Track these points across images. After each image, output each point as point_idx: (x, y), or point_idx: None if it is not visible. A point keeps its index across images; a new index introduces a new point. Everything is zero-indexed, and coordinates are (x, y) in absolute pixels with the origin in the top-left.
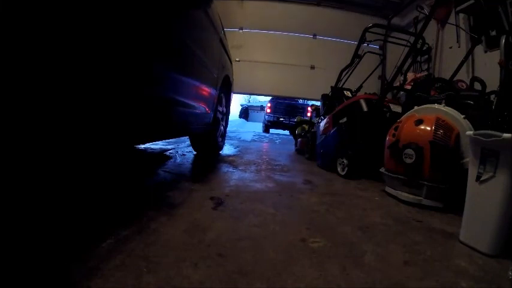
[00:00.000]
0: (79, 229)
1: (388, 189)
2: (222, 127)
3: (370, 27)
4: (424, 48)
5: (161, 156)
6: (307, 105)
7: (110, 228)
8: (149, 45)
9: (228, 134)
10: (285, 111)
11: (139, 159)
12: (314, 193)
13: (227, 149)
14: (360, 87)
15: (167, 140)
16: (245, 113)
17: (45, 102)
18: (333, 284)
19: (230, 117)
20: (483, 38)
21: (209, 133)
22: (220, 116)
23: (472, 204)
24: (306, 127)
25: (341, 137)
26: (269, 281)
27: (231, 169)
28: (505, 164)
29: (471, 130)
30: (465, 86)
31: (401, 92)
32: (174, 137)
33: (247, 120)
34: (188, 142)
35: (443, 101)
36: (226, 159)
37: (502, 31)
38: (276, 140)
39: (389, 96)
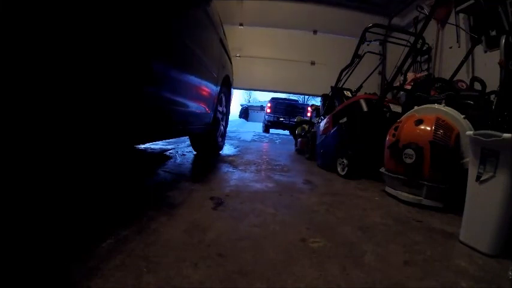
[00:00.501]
0: (79, 229)
1: (388, 189)
2: (222, 127)
3: (370, 27)
4: (424, 48)
5: (161, 156)
6: (307, 105)
7: (110, 228)
8: (149, 44)
9: (228, 134)
10: (285, 111)
11: (139, 159)
12: (314, 193)
13: (227, 149)
14: (360, 87)
15: (167, 140)
16: (245, 113)
17: (41, 101)
18: (333, 284)
19: (230, 117)
20: (483, 38)
21: (209, 133)
22: (220, 116)
23: (472, 204)
24: (306, 127)
25: (341, 137)
26: (269, 281)
27: (231, 169)
28: (505, 164)
29: (471, 130)
30: (465, 86)
31: (401, 92)
32: (174, 137)
33: (247, 120)
34: (188, 142)
35: (443, 101)
36: (226, 159)
37: (502, 31)
38: (276, 140)
39: (389, 96)
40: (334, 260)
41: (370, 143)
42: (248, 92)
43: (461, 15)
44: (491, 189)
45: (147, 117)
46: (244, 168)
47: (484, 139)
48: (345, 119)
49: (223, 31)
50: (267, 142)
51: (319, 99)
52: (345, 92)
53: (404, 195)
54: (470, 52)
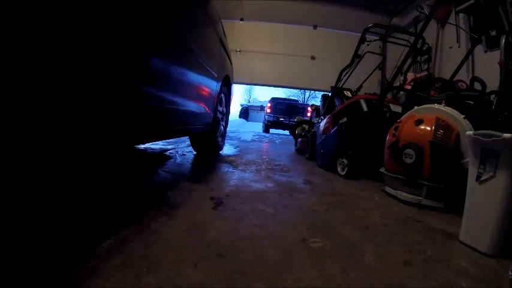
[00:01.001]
0: (79, 229)
1: (388, 189)
2: (222, 127)
3: (370, 27)
4: (424, 48)
5: (161, 156)
6: (307, 105)
7: (110, 228)
8: (147, 43)
9: (228, 134)
10: (285, 111)
11: (139, 159)
12: (314, 193)
13: (227, 149)
14: (360, 87)
15: (167, 140)
16: (245, 113)
17: (38, 100)
18: (333, 284)
19: (230, 117)
20: (483, 38)
21: (209, 133)
22: (220, 116)
23: (472, 204)
24: (306, 127)
25: (341, 137)
26: (269, 281)
27: (231, 169)
28: (505, 164)
29: (471, 130)
30: (465, 86)
31: (401, 92)
32: (174, 137)
33: (247, 120)
34: (188, 142)
35: (443, 101)
36: (226, 159)
37: (502, 31)
38: (276, 140)
39: (389, 96)
40: (334, 260)
41: (370, 143)
42: (248, 91)
43: (461, 15)
44: (491, 189)
45: (147, 117)
46: (244, 168)
47: (484, 139)
48: (345, 119)
49: (223, 31)
50: (267, 142)
51: (319, 99)
52: (344, 92)
53: (404, 195)
54: (470, 52)
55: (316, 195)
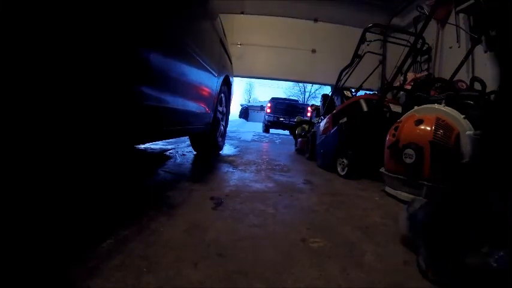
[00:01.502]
0: (79, 229)
1: (388, 189)
2: (222, 127)
3: (370, 27)
4: (424, 48)
5: (161, 156)
6: (307, 105)
7: (110, 228)
8: (148, 43)
9: (228, 134)
10: (285, 111)
11: (139, 159)
12: (314, 193)
13: (227, 149)
14: (360, 87)
15: (167, 140)
16: (245, 113)
17: (36, 100)
18: (333, 284)
19: (230, 117)
20: (483, 38)
21: (209, 133)
22: (220, 116)
23: None
24: (306, 127)
25: (341, 137)
26: (269, 281)
27: (231, 169)
28: None
29: (471, 130)
30: (465, 86)
31: (401, 92)
32: (174, 137)
33: (247, 120)
34: (188, 142)
35: (443, 101)
36: (226, 159)
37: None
38: (276, 140)
39: (389, 96)
40: (334, 260)
41: (370, 143)
42: (248, 91)
43: (461, 15)
44: None
45: (146, 117)
46: (244, 168)
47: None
48: (345, 119)
49: (223, 31)
50: (267, 142)
51: (319, 99)
52: (345, 92)
53: (404, 195)
54: (470, 52)
55: (316, 195)
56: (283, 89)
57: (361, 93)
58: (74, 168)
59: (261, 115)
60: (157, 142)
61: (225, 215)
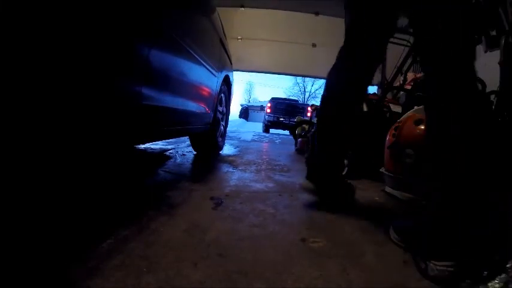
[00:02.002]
0: (79, 229)
1: (388, 189)
2: (222, 127)
3: None
4: None
5: (161, 156)
6: (307, 105)
7: (110, 228)
8: (148, 42)
9: (228, 134)
10: (285, 112)
11: (139, 159)
12: (314, 193)
13: (227, 149)
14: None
15: (167, 140)
16: (245, 113)
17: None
18: (333, 284)
19: (230, 117)
20: (483, 38)
21: (209, 133)
22: (220, 116)
23: None
24: (306, 127)
25: None
26: (269, 281)
27: (231, 169)
28: None
29: None
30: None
31: (401, 92)
32: (174, 137)
33: (247, 120)
34: (188, 142)
35: None
36: (226, 159)
37: (502, 31)
38: (276, 140)
39: (389, 96)
40: (334, 260)
41: (370, 143)
42: (248, 91)
43: None
44: None
45: (146, 117)
46: (244, 168)
47: None
48: None
49: (224, 31)
50: (267, 142)
51: (319, 99)
52: None
53: (404, 195)
54: None
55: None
56: (283, 89)
57: None
58: (73, 168)
59: (261, 115)
60: (157, 142)
61: (225, 215)
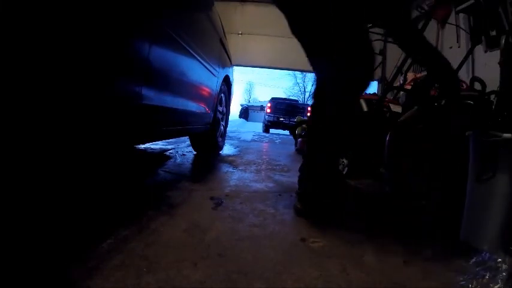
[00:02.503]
0: (79, 229)
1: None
2: (222, 127)
3: (370, 27)
4: None
5: (161, 156)
6: (307, 105)
7: (110, 228)
8: (148, 42)
9: (228, 134)
10: (285, 111)
11: (139, 159)
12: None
13: (227, 149)
14: None
15: (167, 140)
16: (245, 113)
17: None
18: (333, 284)
19: (230, 117)
20: (483, 38)
21: (209, 133)
22: (220, 116)
23: (471, 204)
24: (306, 127)
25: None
26: (269, 281)
27: (231, 169)
28: (505, 164)
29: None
30: (465, 86)
31: (401, 92)
32: (174, 137)
33: (247, 120)
34: (188, 142)
35: (443, 101)
36: (226, 159)
37: (502, 31)
38: (276, 140)
39: (389, 96)
40: (334, 260)
41: (370, 143)
42: (248, 91)
43: (461, 15)
44: (491, 189)
45: (146, 116)
46: (244, 168)
47: (484, 139)
48: None
49: (224, 31)
50: (267, 142)
51: None
52: None
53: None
54: (470, 52)
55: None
56: (283, 89)
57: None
58: (73, 168)
59: (261, 115)
60: (157, 142)
61: (225, 215)
